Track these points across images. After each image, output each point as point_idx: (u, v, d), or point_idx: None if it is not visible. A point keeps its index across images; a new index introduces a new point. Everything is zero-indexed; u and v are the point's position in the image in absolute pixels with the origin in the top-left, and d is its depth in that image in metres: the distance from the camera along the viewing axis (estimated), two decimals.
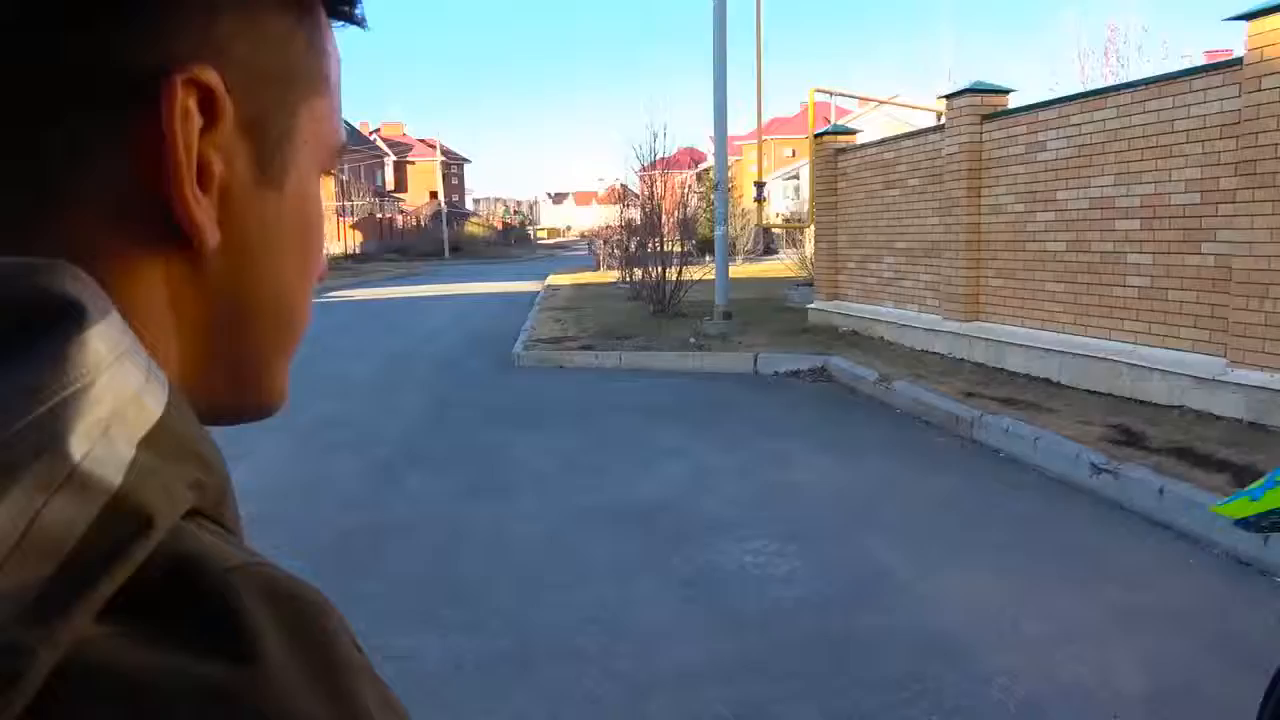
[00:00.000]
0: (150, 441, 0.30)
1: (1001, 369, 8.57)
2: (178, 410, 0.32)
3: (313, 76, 0.41)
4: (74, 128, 0.34)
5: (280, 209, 0.40)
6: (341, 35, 0.44)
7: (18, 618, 0.26)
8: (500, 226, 76.72)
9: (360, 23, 0.43)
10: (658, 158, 17.35)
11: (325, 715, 0.30)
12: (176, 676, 0.28)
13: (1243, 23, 6.19)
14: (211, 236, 0.37)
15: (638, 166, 18.09)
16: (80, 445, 0.28)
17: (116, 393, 0.29)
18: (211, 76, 0.35)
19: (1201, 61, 8.33)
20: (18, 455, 0.27)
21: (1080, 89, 10.59)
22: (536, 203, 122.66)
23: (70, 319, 0.29)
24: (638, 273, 15.63)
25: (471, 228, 65.64)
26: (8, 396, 0.27)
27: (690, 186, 26.04)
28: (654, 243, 15.63)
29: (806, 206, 16.08)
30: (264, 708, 0.29)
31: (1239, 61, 6.34)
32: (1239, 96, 6.28)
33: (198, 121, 0.35)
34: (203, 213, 0.36)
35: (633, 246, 17.25)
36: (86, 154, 0.35)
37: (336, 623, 0.34)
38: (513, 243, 70.75)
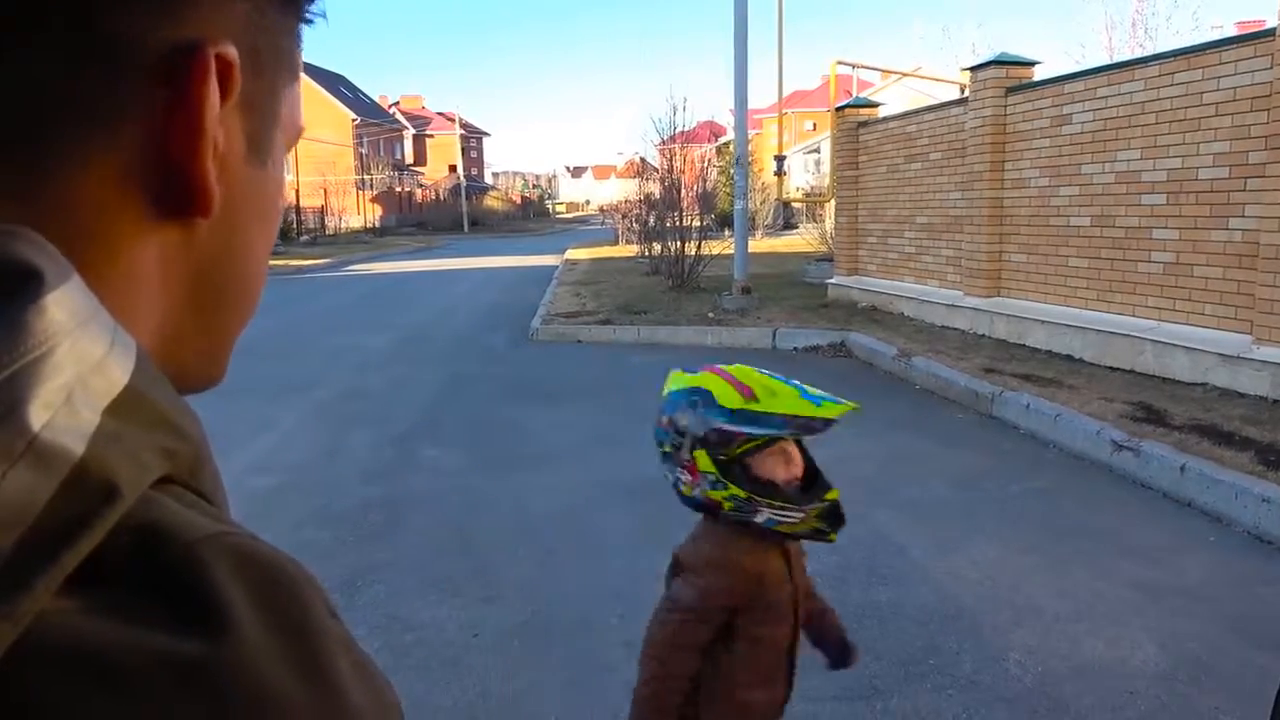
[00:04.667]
0: (117, 408, 0.29)
1: (1023, 345, 8.50)
2: (147, 376, 0.31)
3: (293, 63, 0.43)
4: (92, 92, 0.34)
5: (261, 186, 0.42)
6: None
7: None
8: (519, 200, 76.60)
9: (322, 15, 0.45)
10: (677, 131, 17.22)
11: (298, 687, 0.30)
12: (142, 651, 0.27)
13: None
14: (216, 205, 0.38)
15: (657, 140, 17.99)
16: (40, 414, 0.27)
17: (79, 359, 0.28)
18: (232, 52, 0.36)
19: (1232, 33, 8.17)
20: None
21: (1107, 61, 10.43)
22: (555, 177, 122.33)
23: (28, 285, 0.28)
24: (656, 247, 15.56)
25: (490, 202, 65.58)
26: None
27: (710, 160, 25.88)
28: (673, 217, 15.54)
29: (827, 181, 15.96)
30: (234, 681, 0.28)
31: (1271, 33, 6.21)
32: (1270, 69, 6.15)
33: (217, 94, 0.36)
34: (214, 181, 0.37)
35: (651, 221, 17.18)
36: (100, 118, 0.35)
37: (311, 591, 0.33)
38: (531, 217, 70.72)
